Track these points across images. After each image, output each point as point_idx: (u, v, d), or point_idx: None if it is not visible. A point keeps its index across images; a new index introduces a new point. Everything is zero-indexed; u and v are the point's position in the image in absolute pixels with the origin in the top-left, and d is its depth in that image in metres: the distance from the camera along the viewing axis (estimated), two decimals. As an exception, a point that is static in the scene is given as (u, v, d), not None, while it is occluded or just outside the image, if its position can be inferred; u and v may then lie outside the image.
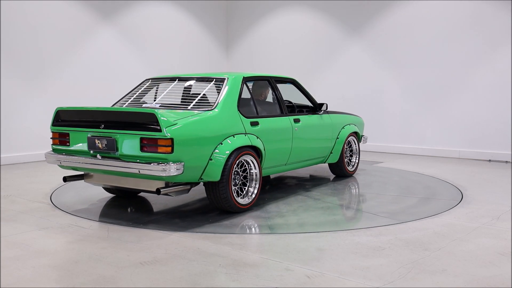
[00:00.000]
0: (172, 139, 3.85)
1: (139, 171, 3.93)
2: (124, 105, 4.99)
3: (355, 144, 6.52)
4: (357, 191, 5.72)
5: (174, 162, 3.87)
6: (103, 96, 8.39)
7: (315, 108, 5.79)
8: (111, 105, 5.45)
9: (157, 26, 9.75)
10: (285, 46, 10.33)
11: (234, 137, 4.40)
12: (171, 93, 5.03)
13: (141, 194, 5.31)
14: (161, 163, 3.84)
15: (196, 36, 10.54)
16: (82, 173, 4.77)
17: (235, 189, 4.47)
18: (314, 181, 6.17)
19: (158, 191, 4.03)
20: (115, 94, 7.57)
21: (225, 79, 4.73)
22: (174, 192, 4.23)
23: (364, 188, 5.80)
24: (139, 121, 4.01)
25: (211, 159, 4.17)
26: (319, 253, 3.42)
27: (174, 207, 4.82)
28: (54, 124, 4.58)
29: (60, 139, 4.56)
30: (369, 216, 4.44)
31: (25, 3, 7.76)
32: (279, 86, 5.55)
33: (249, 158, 4.57)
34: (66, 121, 4.53)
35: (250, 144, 4.53)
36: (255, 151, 4.70)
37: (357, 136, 6.57)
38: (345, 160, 6.34)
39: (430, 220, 4.26)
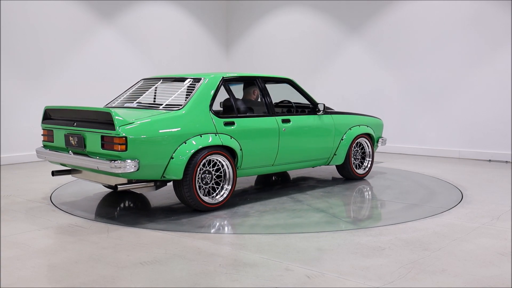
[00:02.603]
0: (125, 138, 3.99)
1: (97, 167, 4.11)
2: (113, 105, 5.12)
3: (368, 146, 6.25)
4: (350, 194, 5.43)
5: (129, 159, 3.99)
6: (103, 95, 8.38)
7: (315, 108, 5.71)
8: (104, 104, 5.52)
9: (157, 26, 9.75)
10: (285, 46, 10.32)
11: (201, 136, 4.42)
12: (156, 92, 5.14)
13: (138, 190, 5.31)
14: (116, 160, 3.98)
15: (196, 36, 10.54)
16: (69, 168, 4.96)
17: (206, 188, 4.51)
18: (322, 183, 6.04)
19: (115, 187, 4.20)
20: (115, 94, 7.56)
21: (200, 79, 4.76)
22: (139, 189, 4.40)
23: (362, 191, 5.64)
24: (99, 120, 4.19)
25: (172, 158, 4.22)
26: (319, 253, 3.42)
27: (165, 204, 4.83)
28: (43, 121, 4.86)
29: (48, 136, 4.83)
30: (331, 220, 4.30)
31: (25, 3, 7.76)
32: (275, 86, 5.50)
33: (220, 158, 4.57)
34: (52, 119, 4.81)
35: (220, 144, 4.53)
36: (229, 151, 4.70)
37: (371, 138, 6.32)
38: (355, 162, 6.11)
39: (430, 220, 4.26)
